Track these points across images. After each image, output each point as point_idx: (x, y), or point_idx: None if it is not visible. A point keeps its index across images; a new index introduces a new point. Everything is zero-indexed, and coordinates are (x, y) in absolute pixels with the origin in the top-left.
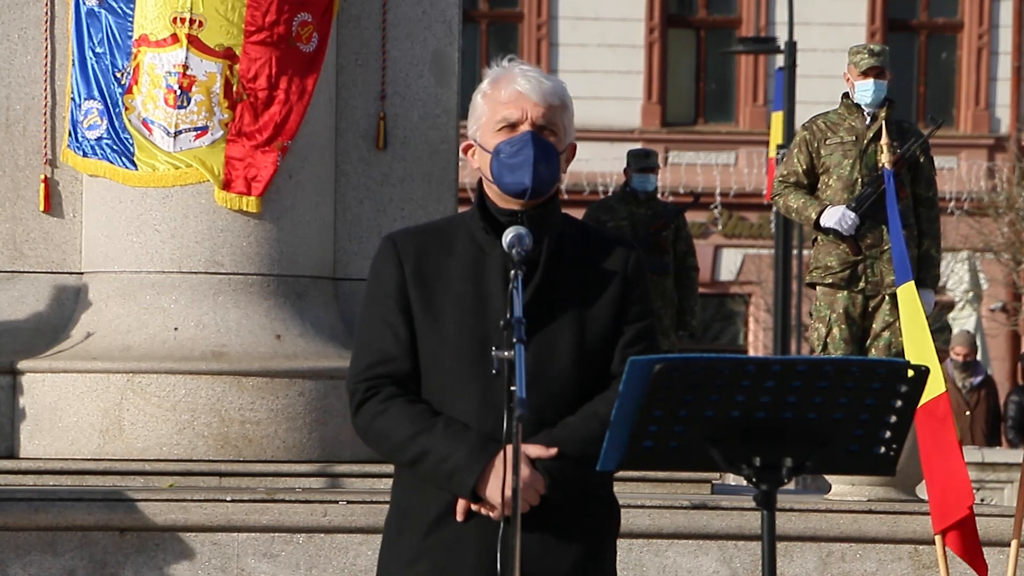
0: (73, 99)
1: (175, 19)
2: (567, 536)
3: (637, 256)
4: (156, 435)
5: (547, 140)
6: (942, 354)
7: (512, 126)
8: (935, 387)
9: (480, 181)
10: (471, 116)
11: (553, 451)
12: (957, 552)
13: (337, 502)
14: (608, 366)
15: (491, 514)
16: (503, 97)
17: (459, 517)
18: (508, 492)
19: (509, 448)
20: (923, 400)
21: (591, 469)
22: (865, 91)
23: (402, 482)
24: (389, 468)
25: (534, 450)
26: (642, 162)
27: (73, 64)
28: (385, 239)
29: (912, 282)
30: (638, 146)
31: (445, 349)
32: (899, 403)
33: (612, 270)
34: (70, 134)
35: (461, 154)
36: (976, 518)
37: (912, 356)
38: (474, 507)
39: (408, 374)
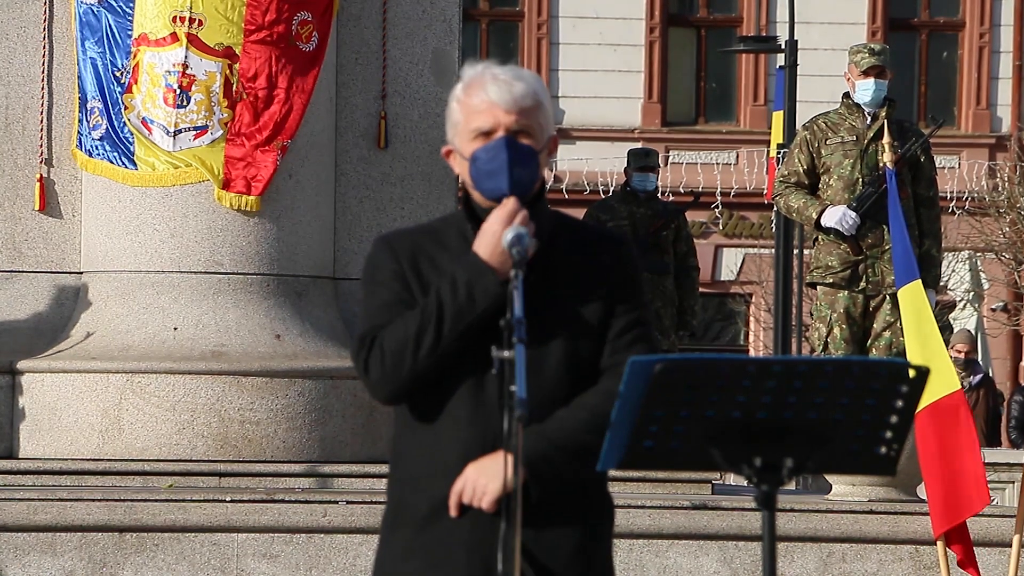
0: (80, 98)
1: (175, 18)
2: (561, 532)
3: (627, 250)
4: (155, 435)
5: (522, 143)
6: None
7: (486, 134)
8: (950, 383)
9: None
10: (448, 121)
11: None
12: (959, 556)
13: (337, 502)
14: (600, 361)
15: (484, 504)
16: (475, 105)
17: (452, 512)
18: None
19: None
20: (939, 396)
21: (581, 458)
22: (865, 91)
23: (396, 477)
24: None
25: None
26: (641, 161)
27: (77, 63)
28: (378, 240)
29: (919, 281)
30: (638, 145)
31: None
32: (900, 403)
33: (602, 265)
34: (79, 133)
35: (435, 147)
36: (969, 521)
37: (920, 355)
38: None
39: None
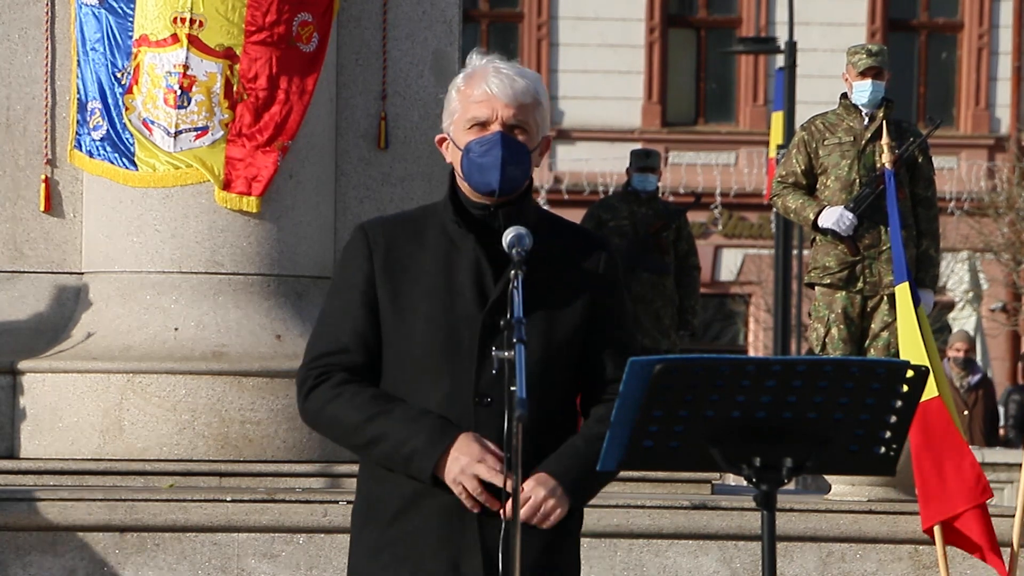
0: (79, 99)
1: (175, 19)
2: (531, 529)
3: (609, 255)
4: (156, 435)
5: (516, 140)
6: (940, 354)
7: (482, 125)
8: (928, 390)
9: (452, 172)
10: (445, 109)
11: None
12: (963, 547)
13: (337, 502)
14: (576, 361)
15: (477, 499)
16: (475, 96)
17: (471, 508)
18: (505, 491)
19: (509, 428)
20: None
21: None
22: (862, 91)
23: (367, 472)
24: None
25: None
26: (642, 162)
27: (77, 64)
28: (357, 228)
29: (906, 284)
30: (638, 146)
31: (413, 342)
32: (899, 403)
33: (583, 268)
34: (77, 134)
35: (435, 145)
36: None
37: (907, 357)
38: (476, 493)
39: (362, 367)
